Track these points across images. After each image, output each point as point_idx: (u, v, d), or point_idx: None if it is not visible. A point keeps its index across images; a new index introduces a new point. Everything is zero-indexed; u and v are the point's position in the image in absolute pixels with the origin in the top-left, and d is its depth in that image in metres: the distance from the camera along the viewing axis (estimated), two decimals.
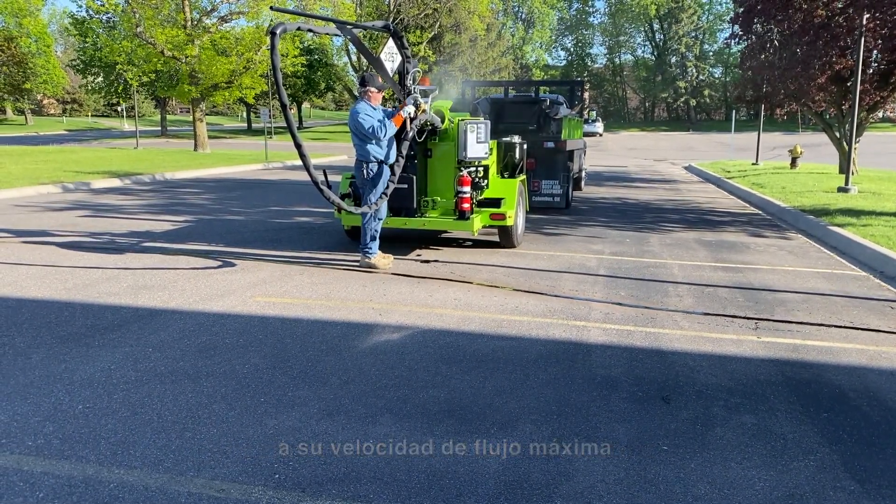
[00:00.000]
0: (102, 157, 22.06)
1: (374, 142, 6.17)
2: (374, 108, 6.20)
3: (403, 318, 4.79)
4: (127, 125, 57.84)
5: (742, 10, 15.70)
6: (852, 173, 13.51)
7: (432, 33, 42.07)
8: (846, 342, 4.43)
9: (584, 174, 14.49)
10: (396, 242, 7.59)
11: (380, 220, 6.37)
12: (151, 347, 4.13)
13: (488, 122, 7.05)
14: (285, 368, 3.82)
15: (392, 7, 40.93)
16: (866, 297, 5.59)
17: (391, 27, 6.36)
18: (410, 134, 6.29)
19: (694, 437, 3.08)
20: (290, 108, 5.59)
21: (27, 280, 5.77)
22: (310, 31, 5.95)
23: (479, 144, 6.80)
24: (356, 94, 5.53)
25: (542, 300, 5.34)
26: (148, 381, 3.63)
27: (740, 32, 16.34)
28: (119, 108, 58.96)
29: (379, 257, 6.38)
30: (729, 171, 18.52)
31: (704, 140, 44.54)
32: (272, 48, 5.11)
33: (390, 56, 9.13)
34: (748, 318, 4.92)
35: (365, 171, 6.28)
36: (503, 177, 7.75)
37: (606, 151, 32.43)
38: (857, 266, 6.86)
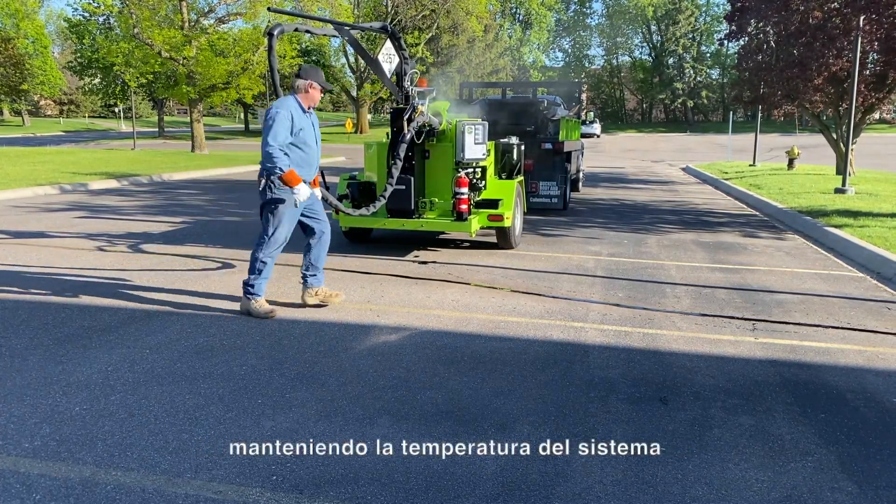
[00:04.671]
0: (100, 158, 22.03)
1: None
2: (306, 113, 4.73)
3: (401, 320, 4.79)
4: (124, 126, 57.75)
5: (736, 8, 15.74)
6: (849, 174, 13.54)
7: (430, 34, 42.07)
8: (843, 343, 4.44)
9: (581, 175, 14.50)
10: (394, 244, 7.59)
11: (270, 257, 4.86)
12: (149, 349, 4.13)
13: (486, 123, 7.05)
14: (283, 370, 3.81)
15: (390, 8, 40.96)
16: (863, 298, 5.60)
17: (388, 28, 6.36)
18: (409, 136, 6.29)
19: (692, 439, 3.08)
20: None
21: (24, 281, 5.75)
22: (307, 32, 5.95)
23: (476, 146, 6.80)
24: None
25: (539, 301, 5.34)
26: (145, 382, 3.62)
27: (735, 30, 16.37)
28: (117, 110, 58.96)
29: (260, 301, 4.83)
30: (726, 173, 18.54)
31: (702, 141, 44.60)
32: (270, 49, 5.11)
33: (388, 57, 9.14)
34: (746, 320, 4.92)
35: (265, 186, 4.67)
36: (501, 178, 7.75)
37: (604, 153, 32.45)
38: (854, 267, 6.87)
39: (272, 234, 4.77)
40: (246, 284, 4.84)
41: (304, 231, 5.05)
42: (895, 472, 2.83)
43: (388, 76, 6.95)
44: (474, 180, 6.96)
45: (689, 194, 14.55)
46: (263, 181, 4.66)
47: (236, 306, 5.03)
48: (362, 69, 45.16)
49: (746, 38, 17.20)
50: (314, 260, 5.02)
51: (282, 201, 4.68)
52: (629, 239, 8.35)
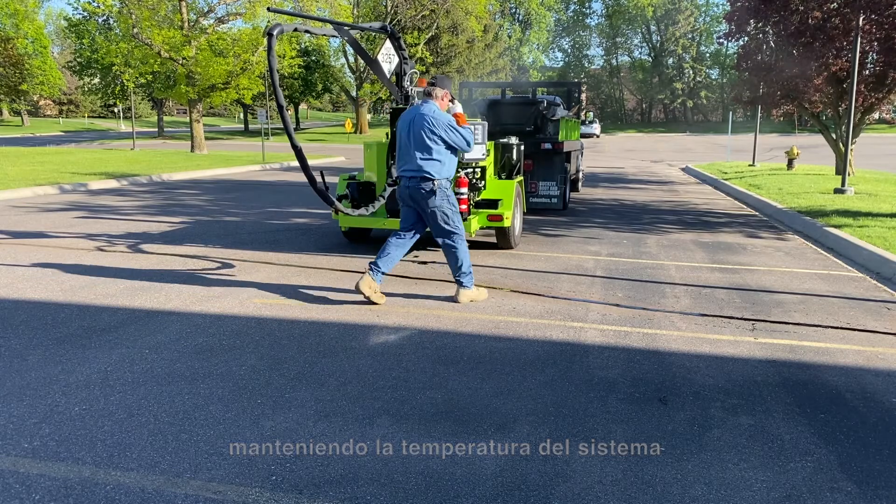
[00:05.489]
0: (99, 158, 22.02)
1: (455, 153, 5.21)
2: None
3: (401, 320, 4.79)
4: (124, 126, 57.78)
5: (736, 8, 15.74)
6: (849, 174, 13.55)
7: (429, 34, 42.08)
8: (843, 343, 4.44)
9: (581, 175, 14.50)
10: None
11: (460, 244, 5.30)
12: (148, 349, 4.13)
13: (486, 123, 7.05)
14: (282, 370, 3.81)
15: (389, 8, 40.96)
16: (863, 299, 5.60)
17: (388, 28, 6.36)
18: None
19: (691, 438, 3.08)
20: (287, 110, 5.56)
21: (24, 281, 5.75)
22: (307, 32, 5.95)
23: (476, 146, 6.80)
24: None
25: (539, 301, 5.34)
26: (145, 382, 3.62)
27: (734, 30, 16.38)
28: (116, 110, 58.95)
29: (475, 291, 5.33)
30: (726, 173, 18.54)
31: (701, 141, 44.62)
32: (269, 49, 5.11)
33: (387, 57, 9.13)
34: (745, 320, 4.92)
35: (438, 190, 5.04)
36: (500, 178, 7.76)
37: (603, 153, 32.46)
38: (854, 267, 6.87)
39: (459, 224, 5.23)
40: (464, 280, 5.25)
41: (405, 224, 5.33)
42: (895, 472, 2.83)
43: (388, 76, 6.96)
44: (474, 180, 6.97)
45: (689, 194, 14.55)
46: (431, 185, 5.01)
47: (235, 306, 5.03)
48: (362, 69, 45.18)
49: (746, 38, 17.20)
50: (392, 262, 5.23)
51: (451, 193, 5.15)
52: (629, 239, 8.35)
